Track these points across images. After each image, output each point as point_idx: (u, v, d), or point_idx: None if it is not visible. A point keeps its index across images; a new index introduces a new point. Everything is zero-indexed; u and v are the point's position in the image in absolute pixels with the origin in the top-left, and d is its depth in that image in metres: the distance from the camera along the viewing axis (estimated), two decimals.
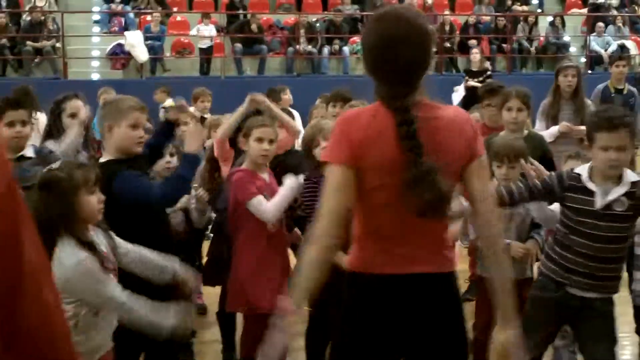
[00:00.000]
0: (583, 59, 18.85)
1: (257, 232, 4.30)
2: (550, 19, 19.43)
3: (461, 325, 2.65)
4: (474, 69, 12.21)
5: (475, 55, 12.21)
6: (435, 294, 2.56)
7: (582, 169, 3.70)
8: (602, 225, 3.59)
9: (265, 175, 4.43)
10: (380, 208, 2.50)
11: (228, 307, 4.50)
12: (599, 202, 3.58)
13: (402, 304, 2.53)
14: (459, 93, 13.29)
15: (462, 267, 5.00)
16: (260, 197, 4.26)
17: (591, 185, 3.61)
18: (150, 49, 16.57)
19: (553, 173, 3.84)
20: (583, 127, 6.49)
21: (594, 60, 18.20)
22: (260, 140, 4.32)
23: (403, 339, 2.55)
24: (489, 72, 12.50)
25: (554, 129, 6.62)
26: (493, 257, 2.59)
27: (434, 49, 2.57)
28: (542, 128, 6.81)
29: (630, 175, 3.61)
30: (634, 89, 8.33)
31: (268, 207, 4.25)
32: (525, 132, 5.28)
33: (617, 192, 3.58)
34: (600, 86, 8.22)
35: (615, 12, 20.03)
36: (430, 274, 2.55)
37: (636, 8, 20.70)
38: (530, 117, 5.52)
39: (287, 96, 8.97)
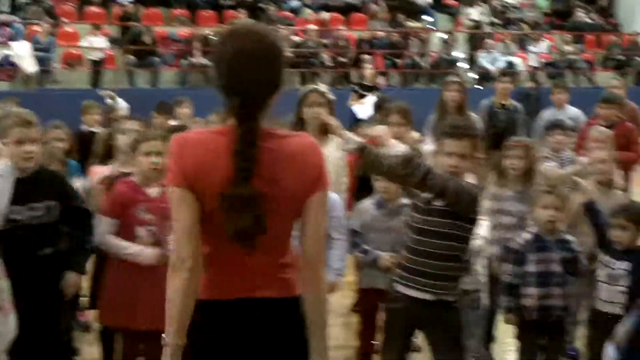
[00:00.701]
0: (473, 75, 19.37)
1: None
2: (442, 35, 19.89)
3: (302, 349, 2.55)
4: (366, 83, 12.32)
5: (369, 70, 12.34)
6: (274, 319, 2.49)
7: None
8: (428, 220, 3.82)
9: (152, 191, 4.33)
10: (217, 233, 2.41)
11: (102, 320, 4.46)
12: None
13: (241, 330, 2.46)
14: (365, 106, 13.35)
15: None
16: (104, 218, 4.25)
17: None
18: (39, 60, 16.12)
19: None
20: None
21: (483, 76, 18.69)
22: (148, 154, 4.26)
23: None
24: (380, 88, 12.66)
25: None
26: (312, 297, 2.52)
27: (285, 68, 2.48)
28: (429, 142, 6.94)
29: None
30: (517, 104, 8.59)
31: (99, 231, 4.25)
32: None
33: None
34: (486, 101, 8.45)
35: (503, 30, 20.69)
36: (269, 299, 2.48)
37: (523, 26, 21.40)
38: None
39: (187, 110, 8.77)
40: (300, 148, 2.47)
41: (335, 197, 4.74)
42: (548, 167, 6.38)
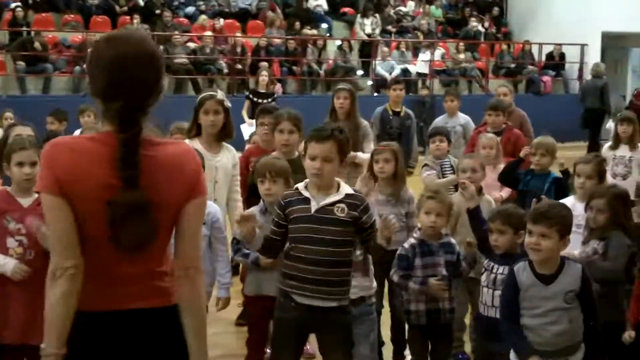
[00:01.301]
0: (370, 82, 19.63)
1: None
2: (338, 43, 20.10)
3: (181, 358, 2.52)
4: (261, 90, 12.28)
5: (264, 77, 12.31)
6: (151, 330, 2.46)
7: (301, 184, 4.02)
8: (319, 229, 3.87)
9: (25, 201, 4.17)
10: (93, 241, 2.38)
11: None
12: (314, 207, 3.89)
13: (117, 342, 2.42)
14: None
15: None
16: None
17: (306, 194, 3.93)
18: None
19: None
20: (352, 154, 6.79)
21: (379, 83, 18.96)
22: (20, 164, 4.15)
23: None
24: (275, 95, 12.64)
25: None
26: (191, 303, 2.51)
27: (163, 74, 2.49)
28: None
29: (345, 188, 3.98)
30: (410, 112, 8.75)
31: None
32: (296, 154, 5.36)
33: (332, 198, 3.91)
34: (380, 108, 8.57)
35: (399, 38, 21.06)
36: (144, 309, 2.44)
37: (418, 34, 21.83)
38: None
39: (89, 118, 8.52)
40: (178, 155, 2.47)
41: (216, 208, 4.71)
42: (427, 175, 6.54)
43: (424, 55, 20.27)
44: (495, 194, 6.17)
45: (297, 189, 4.01)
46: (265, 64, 17.39)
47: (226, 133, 5.22)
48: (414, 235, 4.73)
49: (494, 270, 4.41)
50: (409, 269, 4.59)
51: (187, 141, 4.93)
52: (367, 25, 21.13)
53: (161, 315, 2.47)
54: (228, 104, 5.19)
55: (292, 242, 3.99)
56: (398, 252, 4.67)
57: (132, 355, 2.44)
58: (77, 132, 8.09)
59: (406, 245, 4.66)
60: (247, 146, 6.73)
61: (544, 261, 3.82)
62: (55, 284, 2.34)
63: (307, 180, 4.01)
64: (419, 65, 20.19)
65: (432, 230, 4.64)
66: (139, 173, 2.33)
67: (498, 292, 4.27)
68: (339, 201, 3.91)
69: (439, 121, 8.95)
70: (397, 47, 20.36)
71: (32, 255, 4.12)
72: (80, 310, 2.39)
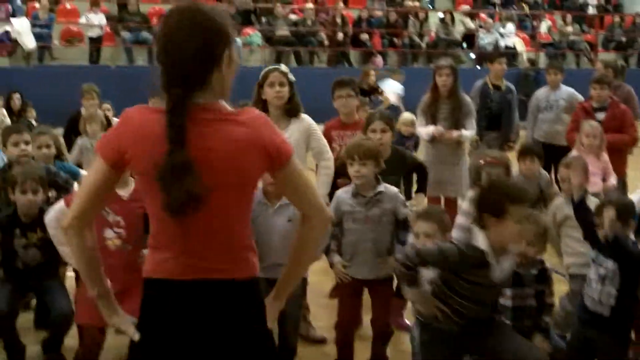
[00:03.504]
0: (473, 55, 19.35)
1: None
2: (440, 15, 19.85)
3: (259, 335, 2.51)
4: (365, 87, 12.25)
5: (372, 74, 12.31)
6: (222, 302, 2.43)
7: None
8: None
9: (124, 192, 4.23)
10: (156, 211, 2.41)
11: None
12: None
13: (188, 312, 2.43)
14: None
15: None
16: (61, 204, 4.24)
17: None
18: (38, 37, 16.12)
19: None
20: (456, 133, 6.74)
21: (482, 56, 18.67)
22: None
23: (195, 348, 2.44)
24: (380, 90, 12.63)
25: (430, 129, 6.78)
26: (303, 240, 2.58)
27: (224, 49, 2.40)
28: (421, 124, 6.97)
29: None
30: (511, 86, 8.57)
31: (51, 214, 4.29)
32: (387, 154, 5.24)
33: None
34: (479, 82, 8.43)
35: (502, 10, 20.65)
36: (216, 280, 2.43)
37: (524, 6, 21.35)
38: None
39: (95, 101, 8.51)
40: (246, 124, 2.41)
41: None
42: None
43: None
44: (598, 182, 6.01)
45: None
46: (367, 39, 17.33)
47: (293, 107, 5.09)
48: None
49: (602, 264, 4.17)
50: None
51: None
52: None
53: (235, 287, 2.45)
54: (292, 77, 5.11)
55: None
56: None
57: (203, 328, 2.43)
58: None
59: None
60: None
61: None
62: (68, 233, 2.45)
63: None
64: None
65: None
66: (183, 135, 2.30)
67: (608, 289, 4.11)
68: None
69: (541, 93, 8.77)
70: (500, 20, 19.96)
71: (129, 248, 4.22)
72: (155, 277, 2.45)
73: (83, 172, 5.98)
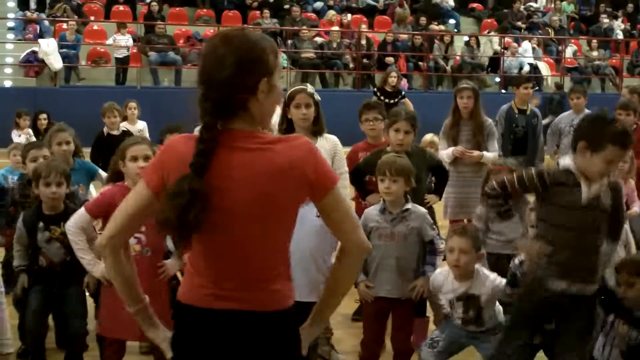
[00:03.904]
0: (497, 79, 19.33)
1: None
2: (465, 38, 19.87)
3: None
4: (389, 89, 12.28)
5: (393, 79, 12.31)
6: (252, 334, 2.40)
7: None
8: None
9: None
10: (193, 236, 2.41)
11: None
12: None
13: (216, 342, 2.41)
14: None
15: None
16: (82, 211, 4.28)
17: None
18: (65, 58, 16.32)
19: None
20: (477, 153, 6.72)
21: (507, 80, 18.65)
22: (135, 158, 4.26)
23: None
24: (403, 93, 12.61)
25: (450, 151, 6.78)
26: (338, 274, 2.56)
27: (261, 78, 2.37)
28: (443, 147, 6.96)
29: None
30: (537, 110, 8.55)
31: (71, 220, 4.31)
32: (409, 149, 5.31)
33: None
34: (505, 106, 8.40)
35: (528, 34, 20.63)
36: (245, 311, 2.39)
37: (549, 30, 21.33)
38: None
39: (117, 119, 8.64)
40: (289, 152, 2.38)
41: None
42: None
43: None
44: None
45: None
46: (393, 62, 17.39)
47: (319, 127, 5.06)
48: None
49: (629, 334, 4.13)
50: (517, 286, 4.27)
51: None
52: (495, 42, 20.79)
53: (265, 319, 2.41)
54: (318, 97, 5.08)
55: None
56: (510, 265, 4.42)
57: (233, 358, 2.41)
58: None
59: (517, 261, 4.32)
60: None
61: None
62: (104, 254, 2.49)
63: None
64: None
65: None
66: (205, 163, 2.30)
67: None
68: None
69: (565, 117, 8.74)
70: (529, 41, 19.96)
71: (149, 254, 4.23)
72: (184, 302, 2.45)
73: (101, 171, 6.04)
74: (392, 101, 11.99)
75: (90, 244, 4.34)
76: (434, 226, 4.68)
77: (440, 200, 5.67)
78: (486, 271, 4.47)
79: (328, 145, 5.10)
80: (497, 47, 19.75)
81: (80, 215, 4.29)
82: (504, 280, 4.35)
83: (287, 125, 5.01)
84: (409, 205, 4.55)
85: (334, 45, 18.26)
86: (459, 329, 4.49)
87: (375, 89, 12.36)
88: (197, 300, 2.42)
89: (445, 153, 6.82)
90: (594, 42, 20.75)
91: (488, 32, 20.52)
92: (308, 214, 4.30)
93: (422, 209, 4.65)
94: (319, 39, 18.53)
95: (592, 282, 3.88)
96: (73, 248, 4.35)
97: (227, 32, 2.43)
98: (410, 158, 4.86)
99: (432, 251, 4.55)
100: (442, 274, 4.51)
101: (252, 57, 2.36)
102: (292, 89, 5.11)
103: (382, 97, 12.01)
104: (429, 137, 8.69)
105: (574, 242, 3.80)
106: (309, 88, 5.12)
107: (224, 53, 2.34)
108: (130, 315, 2.59)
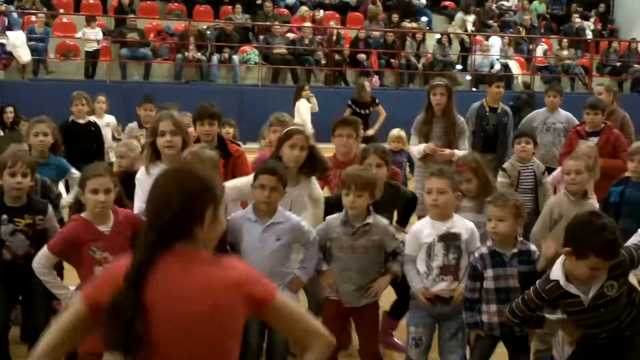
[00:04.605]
0: (468, 77, 19.40)
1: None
2: (437, 36, 19.90)
3: None
4: (362, 100, 12.23)
5: (368, 90, 12.28)
6: None
7: None
8: None
9: (105, 227, 4.22)
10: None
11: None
12: None
13: None
14: None
15: None
16: (45, 251, 4.23)
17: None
18: (34, 51, 16.11)
19: None
20: (448, 151, 6.71)
21: (479, 78, 18.71)
22: (95, 191, 4.17)
23: None
24: (377, 100, 12.57)
25: (421, 147, 6.76)
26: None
27: (206, 209, 2.44)
28: (414, 143, 6.95)
29: None
30: (507, 108, 8.56)
31: (37, 261, 4.25)
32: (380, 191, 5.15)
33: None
34: (476, 104, 8.41)
35: (500, 33, 20.71)
36: None
37: (520, 29, 21.42)
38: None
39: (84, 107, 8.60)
40: (222, 280, 2.38)
41: (295, 218, 4.55)
42: (500, 181, 6.31)
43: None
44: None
45: None
46: (365, 59, 17.39)
47: (308, 169, 4.97)
48: (487, 244, 4.43)
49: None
50: (478, 280, 4.33)
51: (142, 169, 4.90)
52: (469, 22, 20.85)
53: None
54: (312, 142, 4.97)
55: None
56: (470, 259, 4.45)
57: None
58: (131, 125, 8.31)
59: (476, 254, 4.39)
60: None
61: None
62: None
63: None
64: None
65: (497, 236, 4.38)
66: (141, 277, 2.31)
67: None
68: None
69: (539, 115, 8.77)
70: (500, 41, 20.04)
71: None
72: None
73: (74, 170, 5.96)
74: (366, 111, 12.01)
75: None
76: (396, 237, 4.65)
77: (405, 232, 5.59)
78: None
79: (310, 186, 5.02)
80: (466, 37, 19.84)
81: (44, 255, 4.24)
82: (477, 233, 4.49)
83: (276, 160, 4.90)
84: (371, 219, 4.51)
85: (306, 41, 18.22)
86: (427, 314, 4.52)
87: (349, 102, 12.25)
88: None
89: (416, 149, 6.82)
90: (565, 41, 20.88)
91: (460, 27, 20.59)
92: (268, 238, 4.35)
93: (384, 221, 4.61)
94: (291, 35, 18.47)
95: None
96: (46, 284, 4.30)
97: (175, 168, 2.63)
98: (384, 200, 4.83)
99: (395, 258, 4.58)
100: (420, 223, 4.63)
101: (200, 190, 2.44)
102: (291, 129, 5.02)
103: (357, 109, 11.98)
104: (395, 132, 8.77)
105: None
106: (308, 130, 5.05)
107: (174, 186, 2.43)
108: None
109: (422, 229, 4.53)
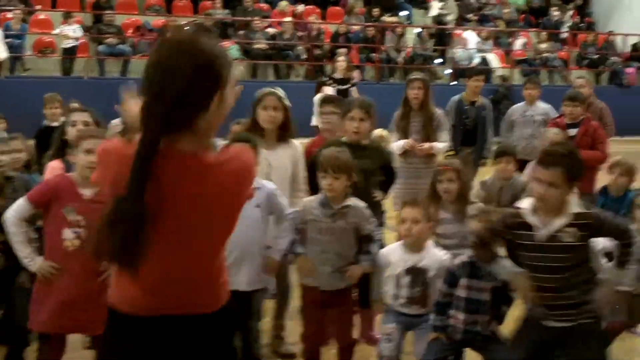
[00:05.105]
0: (448, 71, 19.42)
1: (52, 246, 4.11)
2: (417, 30, 19.91)
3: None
4: (338, 76, 12.22)
5: (342, 63, 12.23)
6: (187, 338, 2.31)
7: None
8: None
9: (87, 191, 4.09)
10: None
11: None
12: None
13: (151, 348, 2.30)
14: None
15: None
16: (23, 200, 4.06)
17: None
18: (10, 47, 15.95)
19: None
20: (427, 145, 6.70)
21: (459, 72, 18.74)
22: (89, 151, 4.05)
23: None
24: (354, 81, 12.53)
25: (400, 143, 6.75)
26: None
27: (214, 93, 2.21)
28: (395, 139, 6.94)
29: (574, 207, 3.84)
30: (486, 102, 8.57)
31: (12, 209, 4.08)
32: (366, 141, 5.25)
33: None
34: (455, 98, 8.43)
35: (479, 26, 20.75)
36: (180, 315, 2.30)
37: (499, 23, 21.47)
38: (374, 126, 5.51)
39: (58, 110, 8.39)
40: (227, 176, 2.29)
41: (271, 185, 4.57)
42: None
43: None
44: None
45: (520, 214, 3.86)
46: (345, 54, 17.36)
47: (285, 131, 5.03)
48: (469, 253, 4.34)
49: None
50: (454, 287, 4.28)
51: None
52: (435, 8, 20.88)
53: (198, 322, 2.34)
54: (288, 102, 5.04)
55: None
56: (449, 265, 4.39)
57: None
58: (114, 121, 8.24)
59: (457, 261, 4.34)
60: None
61: None
62: None
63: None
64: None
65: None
66: (143, 183, 2.15)
67: None
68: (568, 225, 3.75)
69: (517, 108, 8.80)
70: (478, 36, 20.07)
71: (89, 249, 4.10)
72: (117, 309, 2.33)
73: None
74: (343, 87, 11.93)
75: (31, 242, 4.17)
76: (372, 220, 4.60)
77: (385, 198, 5.58)
78: (437, 249, 4.52)
79: (291, 152, 5.06)
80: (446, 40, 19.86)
81: (21, 205, 4.05)
82: (449, 260, 4.41)
83: (253, 124, 4.96)
84: (349, 202, 4.49)
85: (287, 36, 18.17)
86: (403, 316, 4.48)
87: (325, 78, 12.27)
88: (134, 307, 2.30)
89: (395, 145, 6.80)
90: (543, 34, 20.95)
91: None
92: (247, 206, 4.28)
93: (362, 204, 4.56)
94: (271, 30, 18.40)
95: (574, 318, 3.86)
96: (10, 240, 4.10)
97: (180, 38, 2.26)
98: (365, 152, 4.85)
99: (369, 240, 4.52)
100: (392, 247, 4.57)
101: (209, 70, 2.21)
102: (262, 91, 5.05)
103: (334, 84, 11.95)
104: (377, 132, 8.73)
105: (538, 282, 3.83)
106: (279, 92, 5.05)
107: (179, 62, 2.17)
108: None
109: (392, 255, 4.51)
